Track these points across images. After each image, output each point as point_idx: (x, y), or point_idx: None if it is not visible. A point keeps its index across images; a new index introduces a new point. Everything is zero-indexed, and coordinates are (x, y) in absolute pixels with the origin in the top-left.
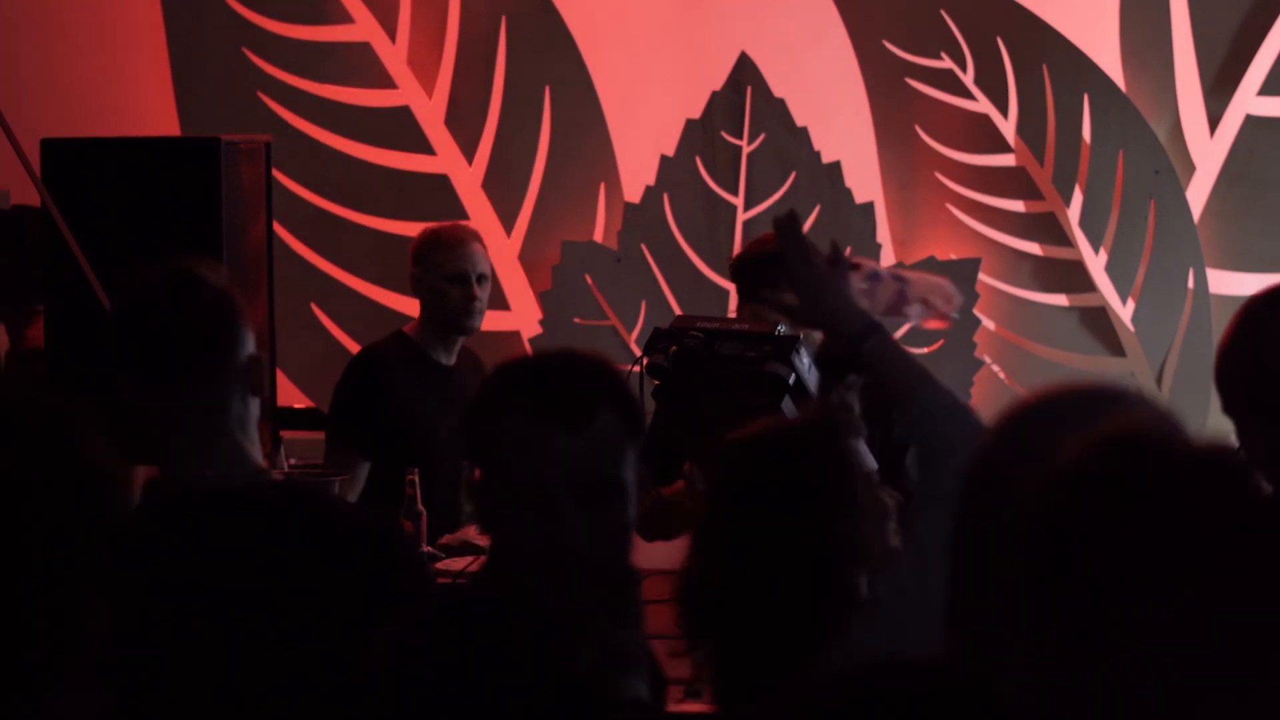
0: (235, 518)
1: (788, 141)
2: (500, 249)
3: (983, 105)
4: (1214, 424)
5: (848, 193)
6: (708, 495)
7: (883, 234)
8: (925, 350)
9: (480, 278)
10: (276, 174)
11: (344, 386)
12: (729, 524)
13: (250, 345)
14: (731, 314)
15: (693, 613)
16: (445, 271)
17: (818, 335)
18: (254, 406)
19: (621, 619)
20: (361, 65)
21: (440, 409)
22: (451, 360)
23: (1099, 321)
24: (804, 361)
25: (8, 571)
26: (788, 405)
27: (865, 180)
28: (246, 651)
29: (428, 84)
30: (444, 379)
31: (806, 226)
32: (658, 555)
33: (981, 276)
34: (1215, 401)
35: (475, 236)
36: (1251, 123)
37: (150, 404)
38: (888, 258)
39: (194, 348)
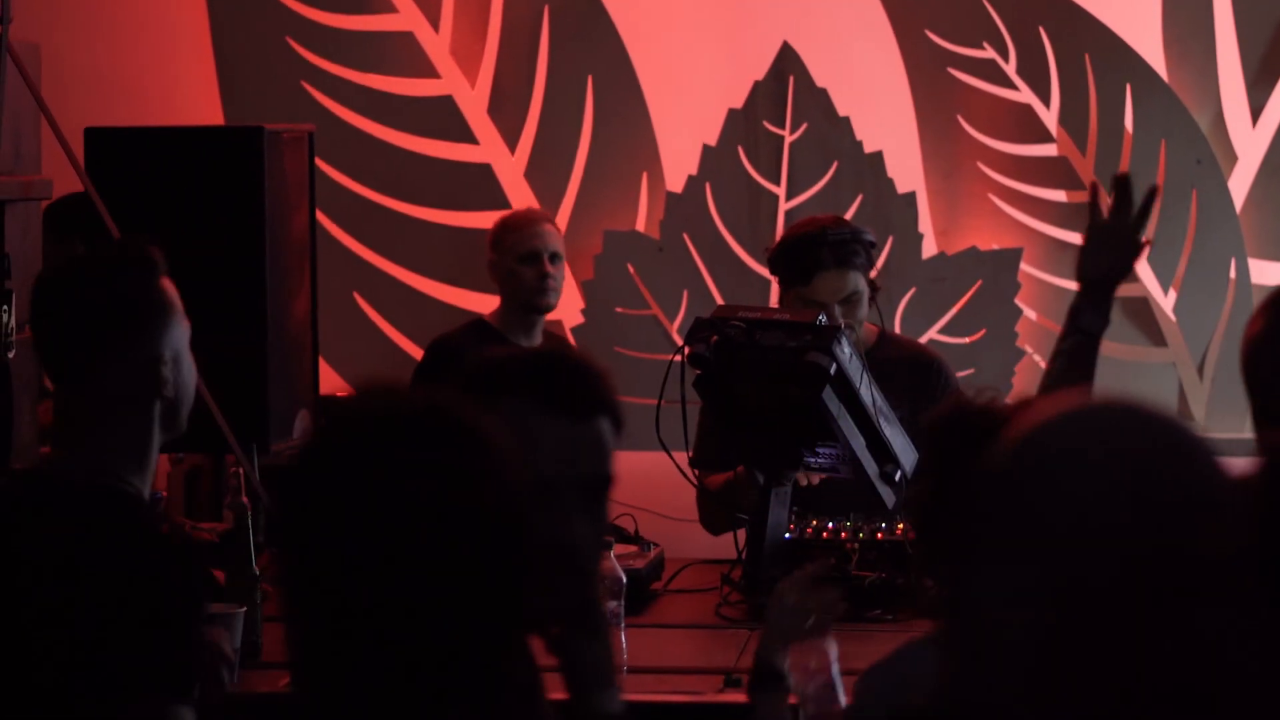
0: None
1: (830, 131)
2: None
3: (1025, 95)
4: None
5: (890, 183)
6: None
7: (924, 224)
8: (967, 340)
9: (553, 256)
10: (320, 163)
11: (417, 377)
12: None
13: (155, 348)
14: (773, 303)
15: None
16: (519, 251)
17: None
18: (152, 410)
19: (598, 629)
20: (405, 55)
21: None
22: (534, 342)
23: (1140, 312)
24: (845, 351)
25: None
26: (829, 395)
27: (907, 170)
28: None
29: (470, 73)
30: None
31: (849, 214)
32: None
33: (1023, 266)
34: None
35: (547, 217)
36: None
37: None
38: (929, 248)
39: (62, 352)
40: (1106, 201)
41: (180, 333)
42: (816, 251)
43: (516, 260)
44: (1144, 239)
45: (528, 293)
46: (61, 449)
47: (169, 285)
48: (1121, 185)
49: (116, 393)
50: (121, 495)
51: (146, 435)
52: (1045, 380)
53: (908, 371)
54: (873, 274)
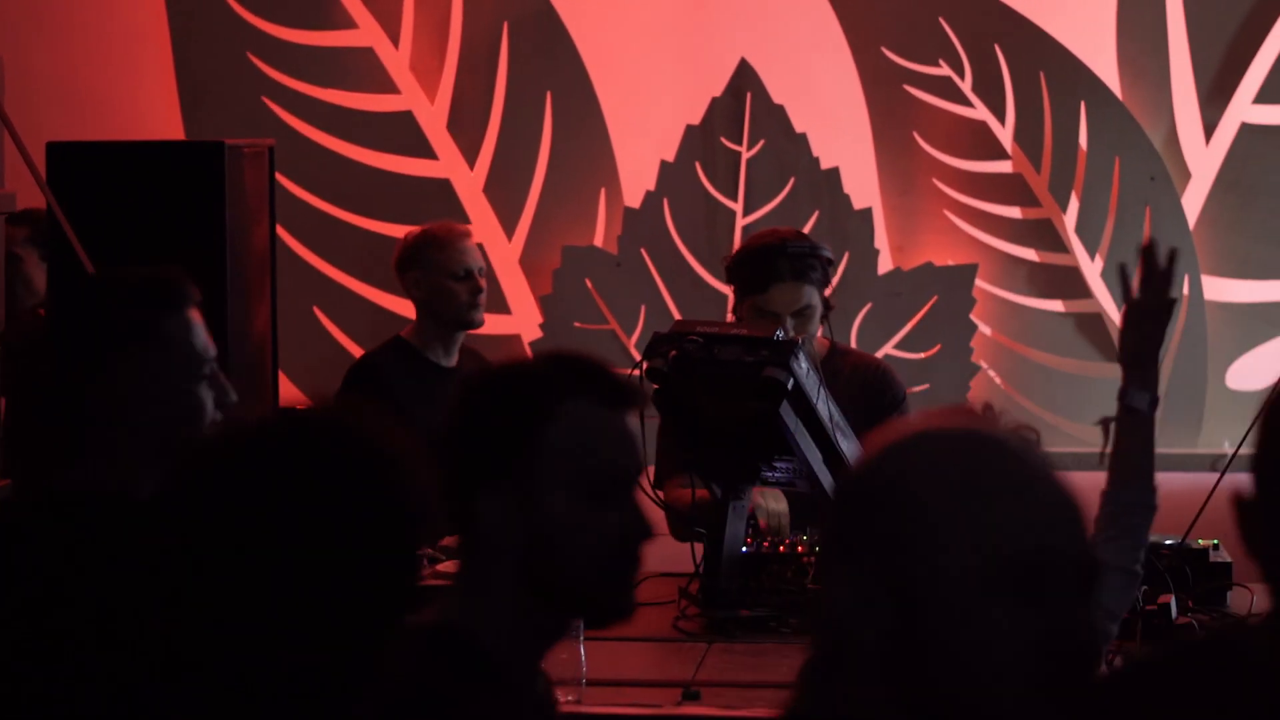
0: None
1: (787, 148)
2: (501, 253)
3: (980, 112)
4: (1207, 429)
5: (846, 199)
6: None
7: (880, 240)
8: (922, 355)
9: (480, 271)
10: (280, 178)
11: (340, 395)
12: None
13: (117, 370)
14: (730, 318)
15: None
16: (450, 269)
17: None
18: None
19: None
20: (364, 70)
21: (441, 411)
22: (451, 361)
23: (1094, 327)
24: (802, 366)
25: None
26: (786, 409)
27: (864, 186)
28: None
29: (430, 89)
30: (444, 380)
31: (806, 229)
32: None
33: (978, 282)
34: (1210, 405)
35: (468, 233)
36: (1247, 130)
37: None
38: (885, 263)
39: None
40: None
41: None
42: (774, 262)
43: (449, 277)
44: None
45: (459, 309)
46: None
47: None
48: (1148, 257)
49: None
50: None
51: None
52: (1108, 464)
53: (859, 383)
54: (828, 291)
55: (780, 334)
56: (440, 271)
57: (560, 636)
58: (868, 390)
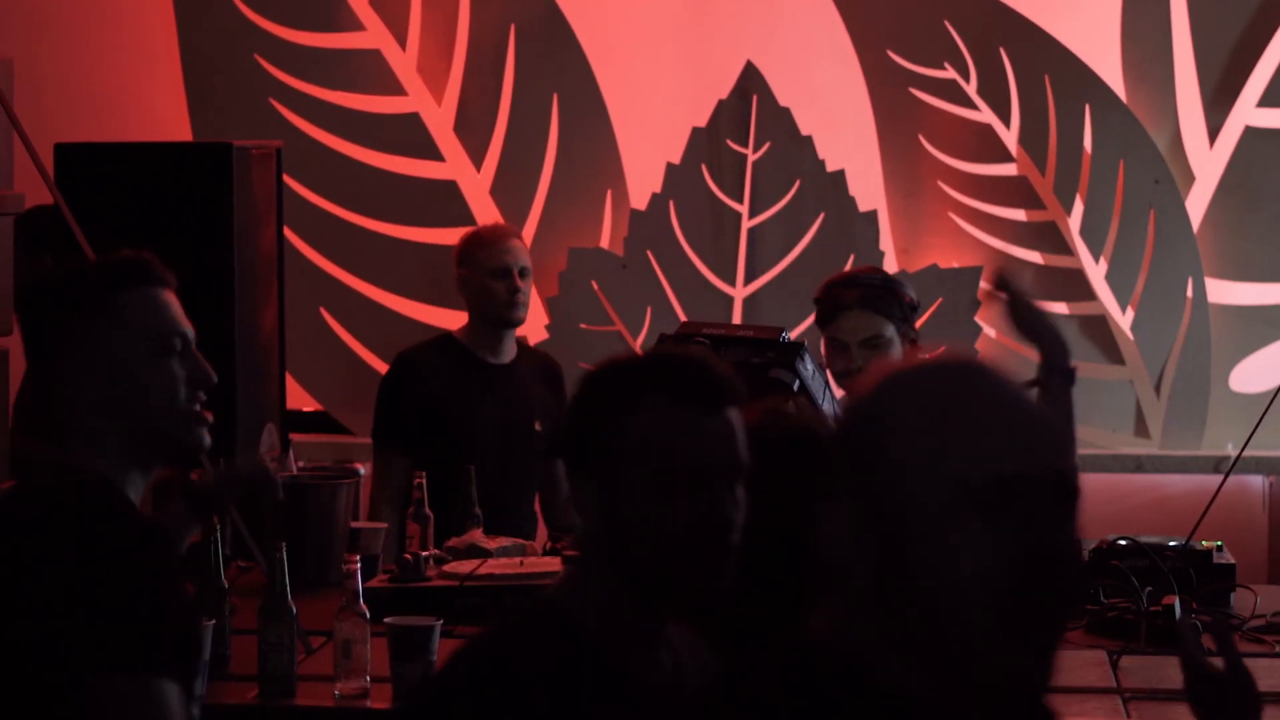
0: None
1: (793, 150)
2: None
3: (985, 115)
4: (1210, 431)
5: (851, 201)
6: None
7: (885, 242)
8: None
9: (523, 271)
10: (287, 179)
11: (380, 390)
12: None
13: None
14: (736, 320)
15: None
16: (490, 267)
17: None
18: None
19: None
20: (372, 72)
21: (492, 407)
22: (504, 359)
23: (1099, 329)
24: (808, 367)
25: None
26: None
27: (869, 189)
28: None
29: (437, 91)
30: (493, 377)
31: (811, 232)
32: None
33: (983, 284)
34: (1213, 407)
35: (514, 233)
36: (1251, 134)
37: None
38: (890, 265)
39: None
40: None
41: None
42: (841, 292)
43: (488, 275)
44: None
45: (499, 307)
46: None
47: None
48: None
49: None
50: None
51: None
52: None
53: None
54: (919, 322)
55: (786, 335)
56: (481, 270)
57: (660, 622)
58: None
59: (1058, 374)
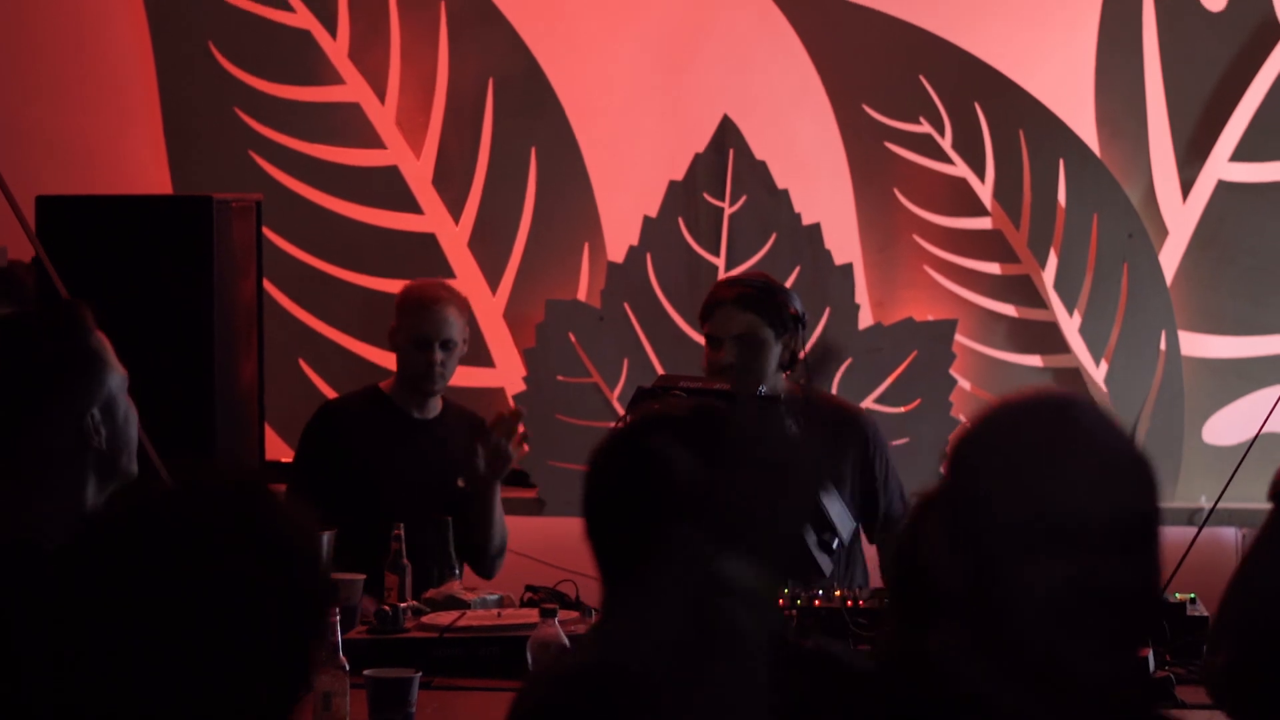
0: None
1: (769, 203)
2: (485, 307)
3: (960, 169)
4: (1184, 484)
5: (827, 254)
6: None
7: (861, 295)
8: (902, 409)
9: (446, 343)
10: (267, 231)
11: (302, 438)
12: None
13: (90, 404)
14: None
15: None
16: (412, 333)
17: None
18: (85, 471)
19: None
20: (351, 126)
21: (410, 461)
22: (428, 414)
23: (1073, 382)
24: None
25: None
26: None
27: (845, 242)
28: None
29: (416, 144)
30: (417, 431)
31: (788, 283)
32: None
33: (958, 337)
34: (1187, 459)
35: (450, 299)
36: (1224, 188)
37: None
38: (866, 318)
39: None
40: None
41: (112, 382)
42: (720, 290)
43: (410, 342)
44: None
45: (416, 377)
46: None
47: (97, 339)
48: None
49: (44, 449)
50: (36, 551)
51: (79, 489)
52: None
53: (830, 427)
54: (805, 349)
55: (763, 389)
56: (404, 333)
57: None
58: (838, 433)
59: None
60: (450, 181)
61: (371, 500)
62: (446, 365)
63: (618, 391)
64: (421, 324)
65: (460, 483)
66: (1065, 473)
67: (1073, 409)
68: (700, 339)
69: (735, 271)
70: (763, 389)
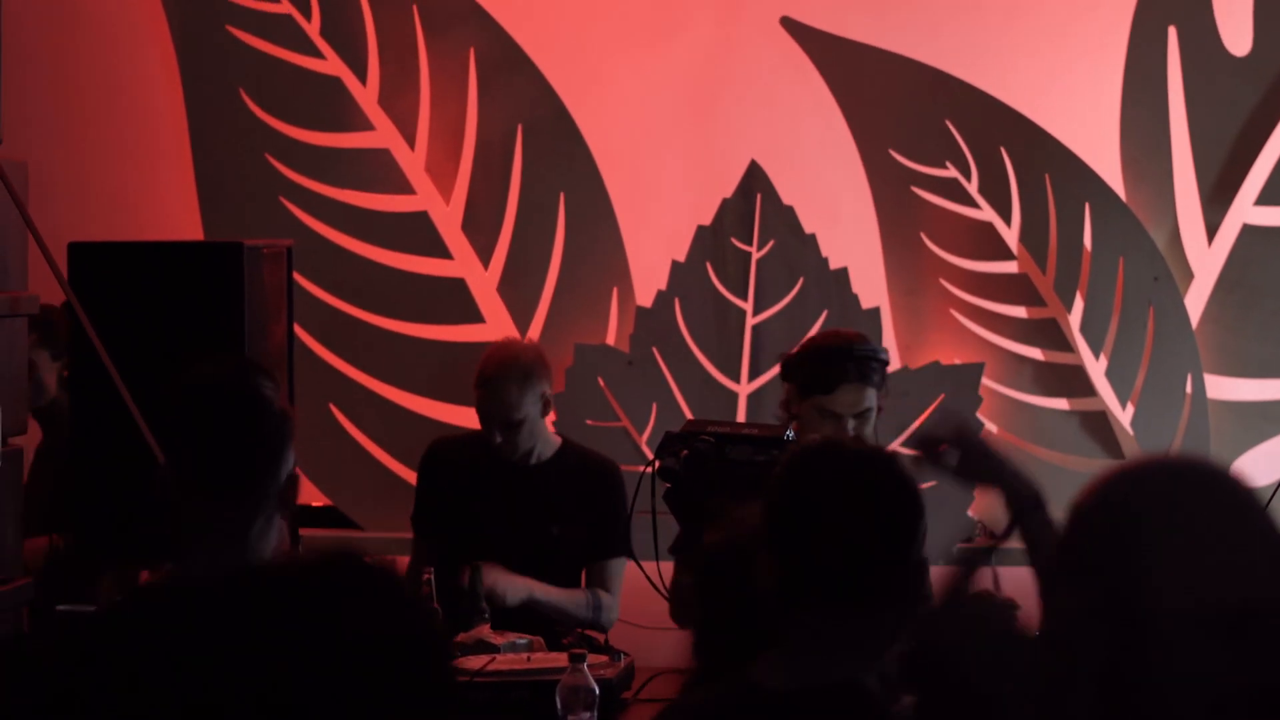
0: (215, 608)
1: (796, 248)
2: None
3: (986, 213)
4: None
5: (854, 298)
6: None
7: (888, 339)
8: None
9: (506, 425)
10: (297, 277)
11: (420, 469)
12: None
13: (290, 464)
14: (740, 417)
15: None
16: (479, 408)
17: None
18: (278, 524)
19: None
20: (381, 171)
21: (499, 506)
22: (530, 460)
23: (1099, 425)
24: None
25: None
26: None
27: (872, 286)
28: None
29: (445, 190)
30: (519, 476)
31: (814, 329)
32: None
33: (985, 381)
34: None
35: (509, 376)
36: (1249, 231)
37: (182, 506)
38: (893, 362)
39: (241, 468)
40: None
41: None
42: (842, 364)
43: (480, 414)
44: None
45: (491, 445)
46: (196, 556)
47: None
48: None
49: (264, 509)
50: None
51: (273, 544)
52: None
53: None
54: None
55: (790, 434)
56: (478, 403)
57: None
58: None
59: (1028, 509)
60: (479, 226)
61: (461, 541)
62: (513, 441)
63: (646, 435)
64: (483, 401)
65: (555, 530)
66: (1240, 557)
67: (1224, 482)
68: (730, 384)
69: (764, 316)
70: (790, 433)
